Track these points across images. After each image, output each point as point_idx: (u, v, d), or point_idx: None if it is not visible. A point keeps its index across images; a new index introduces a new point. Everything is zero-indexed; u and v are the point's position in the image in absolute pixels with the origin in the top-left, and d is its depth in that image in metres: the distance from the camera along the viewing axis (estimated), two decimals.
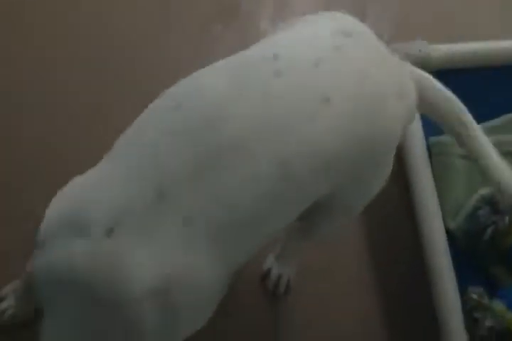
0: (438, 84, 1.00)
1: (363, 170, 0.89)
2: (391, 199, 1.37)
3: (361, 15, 1.39)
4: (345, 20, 0.91)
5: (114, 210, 0.73)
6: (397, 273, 1.32)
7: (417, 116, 1.33)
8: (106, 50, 1.46)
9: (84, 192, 0.77)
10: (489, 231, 1.26)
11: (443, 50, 1.40)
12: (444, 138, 1.33)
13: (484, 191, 1.30)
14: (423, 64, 1.38)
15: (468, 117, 1.02)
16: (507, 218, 1.27)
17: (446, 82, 1.38)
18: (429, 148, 1.33)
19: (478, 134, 1.02)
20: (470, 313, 1.20)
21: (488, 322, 1.18)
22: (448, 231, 1.26)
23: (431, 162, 1.31)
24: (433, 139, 1.34)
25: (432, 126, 1.34)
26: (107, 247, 0.72)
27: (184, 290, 0.75)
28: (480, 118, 1.33)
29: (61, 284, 0.74)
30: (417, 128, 1.32)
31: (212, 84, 0.79)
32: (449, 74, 1.40)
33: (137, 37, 1.48)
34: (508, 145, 1.34)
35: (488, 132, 1.32)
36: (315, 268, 1.32)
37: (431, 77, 1.00)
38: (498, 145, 1.32)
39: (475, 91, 1.40)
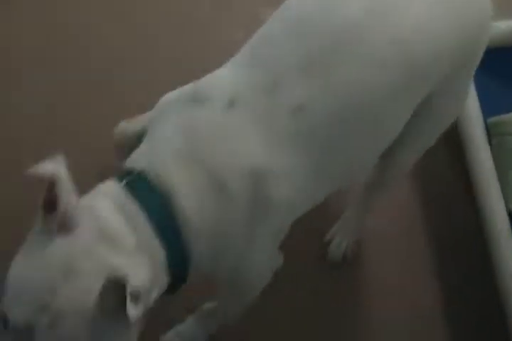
0: None
1: (464, 66, 0.94)
2: (450, 185, 1.35)
3: None
4: None
5: (237, 86, 0.82)
6: (457, 260, 1.30)
7: (474, 95, 1.30)
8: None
9: (209, 75, 0.87)
10: None
11: (501, 27, 1.35)
12: (504, 116, 1.29)
13: None
14: None
15: None
16: None
17: (502, 60, 1.35)
18: (487, 129, 1.29)
19: None
20: None
21: None
22: (510, 214, 1.23)
23: (490, 143, 1.27)
24: (492, 120, 1.30)
25: (490, 105, 1.32)
26: (228, 118, 0.80)
27: (278, 182, 0.81)
28: None
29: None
30: (474, 108, 1.28)
31: None
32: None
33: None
34: None
35: None
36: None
37: None
38: None
39: None
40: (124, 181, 0.82)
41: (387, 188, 1.19)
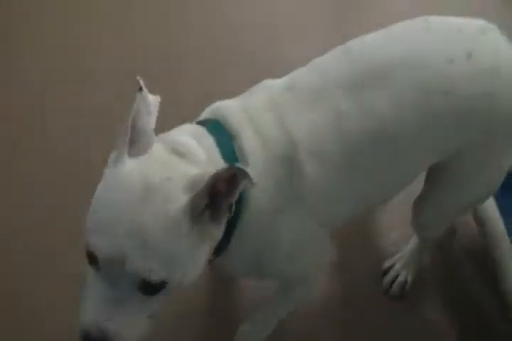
0: None
1: (494, 137, 1.03)
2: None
3: None
4: None
5: (298, 80, 1.01)
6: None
7: (498, 215, 1.36)
8: None
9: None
10: None
11: None
12: None
13: None
14: None
15: None
16: None
17: None
18: None
19: None
20: None
21: None
22: None
23: None
24: None
25: None
26: (282, 98, 0.99)
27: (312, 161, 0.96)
28: None
29: None
30: (501, 230, 1.34)
31: (372, 38, 1.04)
32: None
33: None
34: None
35: None
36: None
37: None
38: None
39: None
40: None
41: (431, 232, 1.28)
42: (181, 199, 0.81)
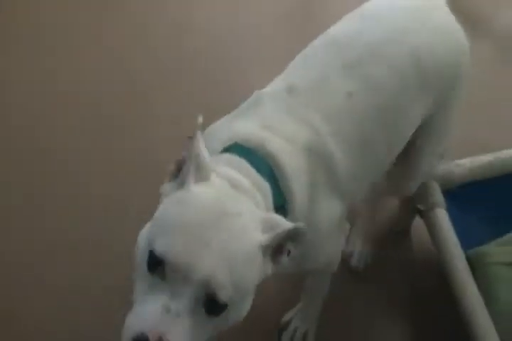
0: None
1: (453, 89, 1.21)
2: (441, 320, 1.42)
3: None
4: None
5: (294, 80, 1.07)
6: None
7: (452, 230, 1.39)
8: None
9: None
10: None
11: (466, 165, 1.47)
12: (483, 248, 1.37)
13: None
14: (446, 180, 1.46)
15: None
16: None
17: (472, 193, 1.46)
18: (469, 262, 1.34)
19: None
20: None
21: None
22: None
23: (474, 276, 1.32)
24: (471, 252, 1.37)
25: (468, 238, 1.40)
26: (287, 101, 1.04)
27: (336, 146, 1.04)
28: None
29: None
30: (454, 243, 1.35)
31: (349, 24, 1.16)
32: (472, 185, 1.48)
33: None
34: None
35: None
36: None
37: None
38: None
39: (498, 200, 1.47)
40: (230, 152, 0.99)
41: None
42: (258, 235, 0.86)
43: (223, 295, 0.80)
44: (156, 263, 0.81)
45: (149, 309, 0.80)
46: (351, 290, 1.48)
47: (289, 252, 0.90)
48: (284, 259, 0.90)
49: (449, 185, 1.46)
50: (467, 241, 1.39)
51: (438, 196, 1.41)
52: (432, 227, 1.39)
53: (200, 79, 1.89)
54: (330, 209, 1.06)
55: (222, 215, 0.84)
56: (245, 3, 2.15)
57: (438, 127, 1.26)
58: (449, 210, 1.41)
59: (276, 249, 0.88)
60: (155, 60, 1.94)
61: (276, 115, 1.02)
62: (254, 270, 0.85)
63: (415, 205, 1.42)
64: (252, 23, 2.08)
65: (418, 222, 1.50)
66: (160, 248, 0.81)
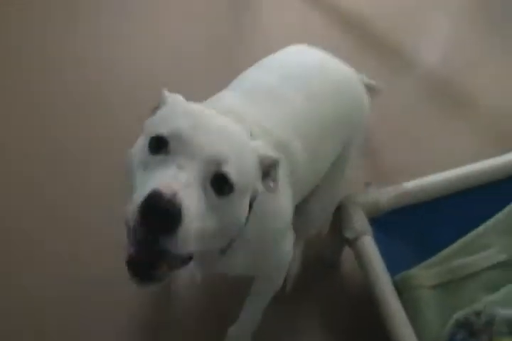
0: None
1: (355, 137, 1.38)
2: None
3: None
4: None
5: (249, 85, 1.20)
6: None
7: (378, 256, 1.44)
8: None
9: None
10: None
11: (391, 193, 1.53)
12: (408, 272, 1.41)
13: (458, 315, 1.34)
14: (373, 208, 1.52)
15: None
16: (485, 337, 1.33)
17: (398, 219, 1.52)
18: (396, 287, 1.39)
19: None
20: None
21: None
22: None
23: (401, 300, 1.37)
24: (397, 276, 1.42)
25: (394, 263, 1.45)
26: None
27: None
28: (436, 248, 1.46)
29: None
30: (380, 268, 1.41)
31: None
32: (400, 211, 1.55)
33: None
34: (468, 267, 1.43)
35: (446, 258, 1.44)
36: None
37: None
38: (460, 268, 1.43)
39: (422, 225, 1.53)
40: None
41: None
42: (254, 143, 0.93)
43: (229, 168, 0.82)
44: (159, 147, 0.83)
45: (159, 175, 0.78)
46: (281, 323, 1.52)
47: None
48: (271, 185, 0.95)
49: (375, 213, 1.51)
50: (395, 266, 1.44)
51: (364, 224, 1.47)
52: (359, 254, 1.44)
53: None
54: (287, 201, 1.13)
55: (222, 125, 0.89)
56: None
57: (332, 183, 1.42)
58: (376, 237, 1.47)
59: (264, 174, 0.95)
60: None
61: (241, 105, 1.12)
62: (253, 166, 0.90)
63: (342, 234, 1.47)
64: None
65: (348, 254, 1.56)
66: (168, 129, 0.83)
